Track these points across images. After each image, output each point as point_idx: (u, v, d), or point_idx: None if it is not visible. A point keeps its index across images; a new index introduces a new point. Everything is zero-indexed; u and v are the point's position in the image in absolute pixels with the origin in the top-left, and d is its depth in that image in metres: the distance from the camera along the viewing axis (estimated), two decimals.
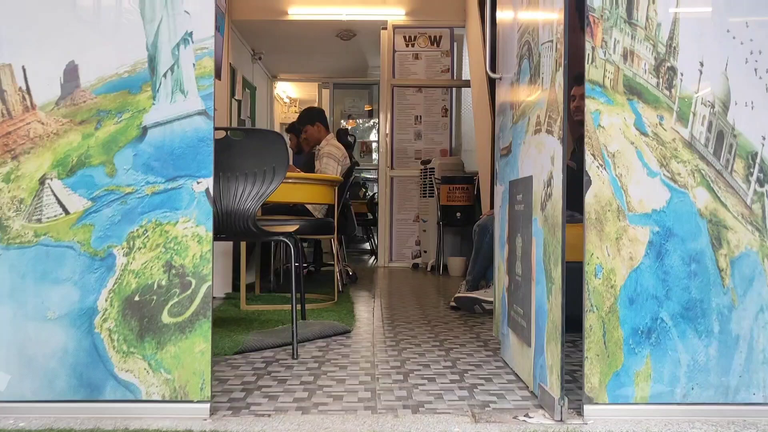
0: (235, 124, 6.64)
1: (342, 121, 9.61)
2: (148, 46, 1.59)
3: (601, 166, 1.61)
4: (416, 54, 6.51)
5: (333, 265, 4.63)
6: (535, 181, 1.82)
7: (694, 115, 1.62)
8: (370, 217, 7.93)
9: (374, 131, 9.46)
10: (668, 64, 1.61)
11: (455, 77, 6.62)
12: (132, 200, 1.59)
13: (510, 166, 2.17)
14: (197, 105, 1.59)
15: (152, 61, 1.59)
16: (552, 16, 1.68)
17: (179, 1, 1.59)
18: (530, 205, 1.86)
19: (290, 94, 10.07)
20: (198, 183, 1.59)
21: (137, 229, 1.59)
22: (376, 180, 7.50)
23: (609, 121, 1.61)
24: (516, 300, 2.05)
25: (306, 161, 4.95)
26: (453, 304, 3.49)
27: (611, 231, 1.60)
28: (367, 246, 8.77)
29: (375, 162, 8.82)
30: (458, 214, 5.67)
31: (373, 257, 7.53)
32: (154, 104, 1.60)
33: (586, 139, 1.61)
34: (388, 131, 6.53)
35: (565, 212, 1.59)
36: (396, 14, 6.42)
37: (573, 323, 1.62)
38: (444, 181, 5.74)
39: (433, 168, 6.02)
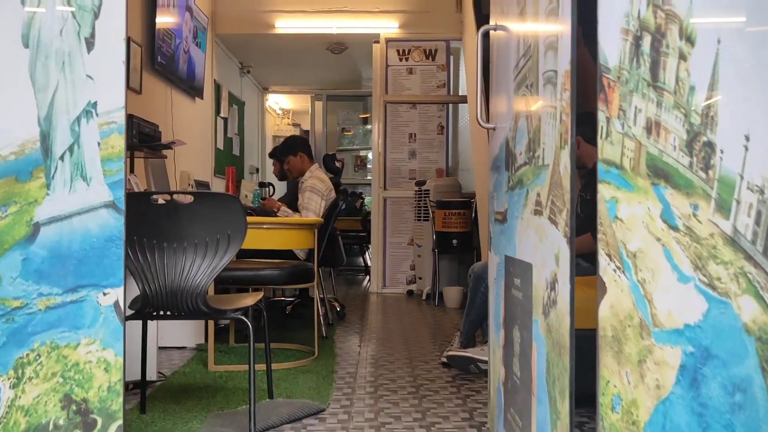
0: (221, 144, 6.30)
1: (338, 126, 9.27)
2: (41, 120, 1.25)
3: (619, 269, 1.26)
4: (410, 68, 6.17)
5: (322, 298, 4.30)
6: (536, 273, 1.48)
7: (738, 203, 1.27)
8: (364, 233, 7.61)
9: (372, 136, 9.08)
10: (704, 139, 1.27)
11: (452, 92, 6.28)
12: (21, 317, 1.25)
13: (506, 237, 1.83)
14: (103, 195, 1.25)
15: (46, 139, 1.25)
16: (555, 76, 1.33)
17: (79, 62, 1.25)
18: (530, 300, 1.52)
19: (283, 105, 9.74)
20: (105, 294, 1.25)
21: (28, 354, 1.25)
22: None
23: (629, 212, 1.26)
24: (513, 404, 1.71)
25: (292, 190, 4.61)
26: (445, 360, 3.15)
27: (632, 352, 1.26)
28: (360, 262, 8.44)
29: (369, 177, 8.47)
30: (454, 241, 5.33)
31: (367, 277, 7.19)
32: (48, 195, 1.25)
33: (599, 236, 1.26)
34: (380, 150, 6.19)
35: (574, 334, 1.24)
36: (389, 27, 6.08)
37: (584, 397, 1.28)
38: (439, 206, 5.39)
39: (428, 190, 5.68)
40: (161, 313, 1.98)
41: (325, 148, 8.95)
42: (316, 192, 3.84)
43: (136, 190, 3.30)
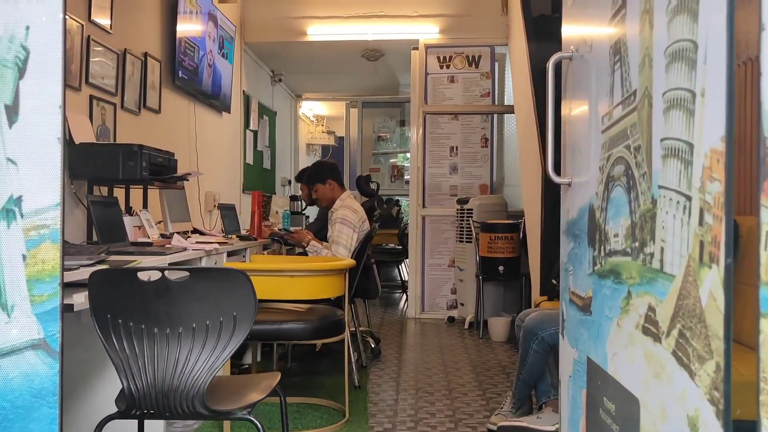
0: (250, 159, 5.98)
1: (374, 133, 8.89)
2: None
3: None
4: (452, 77, 5.73)
5: (356, 331, 3.92)
6: (645, 415, 1.05)
7: None
8: (401, 248, 7.24)
9: (409, 146, 8.65)
10: None
11: (497, 102, 5.81)
12: None
13: (590, 335, 1.40)
14: (30, 331, 0.88)
15: None
16: (686, 152, 0.90)
17: None
18: None
19: (318, 112, 9.39)
20: None
21: None
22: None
23: None
24: None
25: (322, 216, 4.25)
26: (492, 428, 2.73)
27: None
28: (396, 275, 8.05)
29: (407, 187, 8.07)
30: (501, 268, 4.87)
31: (404, 296, 6.79)
32: None
33: (762, 398, 0.83)
34: (419, 164, 5.76)
35: None
36: (428, 32, 5.65)
37: None
38: (484, 229, 4.95)
39: (471, 209, 5.24)
40: (152, 412, 1.61)
41: (360, 154, 8.58)
42: (347, 224, 3.46)
43: (147, 227, 2.97)
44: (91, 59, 3.09)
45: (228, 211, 4.30)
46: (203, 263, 2.88)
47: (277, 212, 5.99)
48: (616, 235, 1.21)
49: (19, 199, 0.88)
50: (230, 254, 3.31)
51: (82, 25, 3.00)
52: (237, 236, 3.91)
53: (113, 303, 1.56)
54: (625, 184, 1.16)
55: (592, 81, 1.38)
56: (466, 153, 5.78)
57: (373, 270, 4.22)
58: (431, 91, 5.75)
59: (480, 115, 5.77)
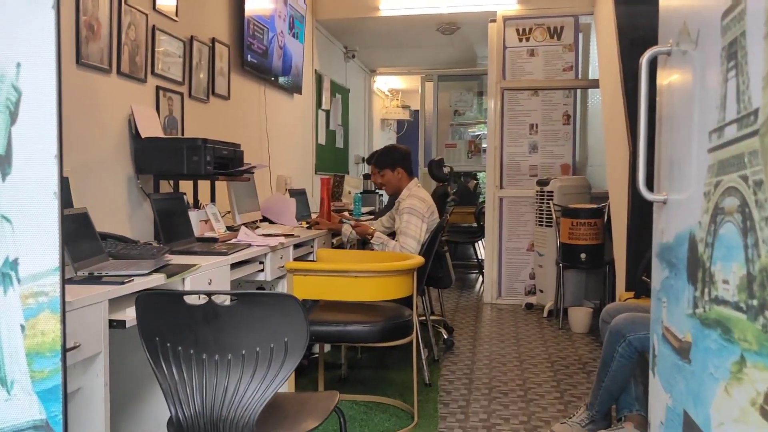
0: (322, 140, 5.89)
1: (450, 107, 8.62)
2: None
3: None
4: (532, 50, 5.39)
5: (426, 321, 3.80)
6: None
7: None
8: (476, 227, 7.04)
9: (487, 123, 8.32)
10: None
11: (580, 76, 5.43)
12: None
13: (687, 384, 1.19)
14: (31, 410, 0.78)
15: None
16: None
17: None
18: None
19: (392, 86, 9.19)
20: None
21: None
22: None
23: None
24: None
25: (390, 205, 4.09)
26: None
27: None
28: (472, 253, 7.87)
29: (485, 156, 7.79)
30: (583, 255, 4.58)
31: (480, 277, 6.60)
32: None
33: None
34: (497, 143, 5.49)
35: None
36: (507, 3, 5.32)
37: None
38: (565, 214, 4.66)
39: (552, 191, 4.95)
40: None
41: (435, 129, 8.35)
42: (416, 214, 3.29)
43: (213, 221, 2.92)
44: (156, 49, 3.05)
45: (299, 196, 4.23)
46: (268, 259, 2.82)
47: (349, 192, 5.90)
48: (725, 282, 1.00)
49: (15, 261, 0.78)
50: (297, 246, 3.23)
51: (146, 15, 2.95)
52: (306, 222, 3.84)
53: (161, 326, 1.49)
54: (739, 222, 0.94)
55: (696, 86, 1.14)
56: (547, 131, 5.46)
57: (446, 258, 4.05)
58: (509, 65, 5.43)
59: (562, 91, 5.41)
